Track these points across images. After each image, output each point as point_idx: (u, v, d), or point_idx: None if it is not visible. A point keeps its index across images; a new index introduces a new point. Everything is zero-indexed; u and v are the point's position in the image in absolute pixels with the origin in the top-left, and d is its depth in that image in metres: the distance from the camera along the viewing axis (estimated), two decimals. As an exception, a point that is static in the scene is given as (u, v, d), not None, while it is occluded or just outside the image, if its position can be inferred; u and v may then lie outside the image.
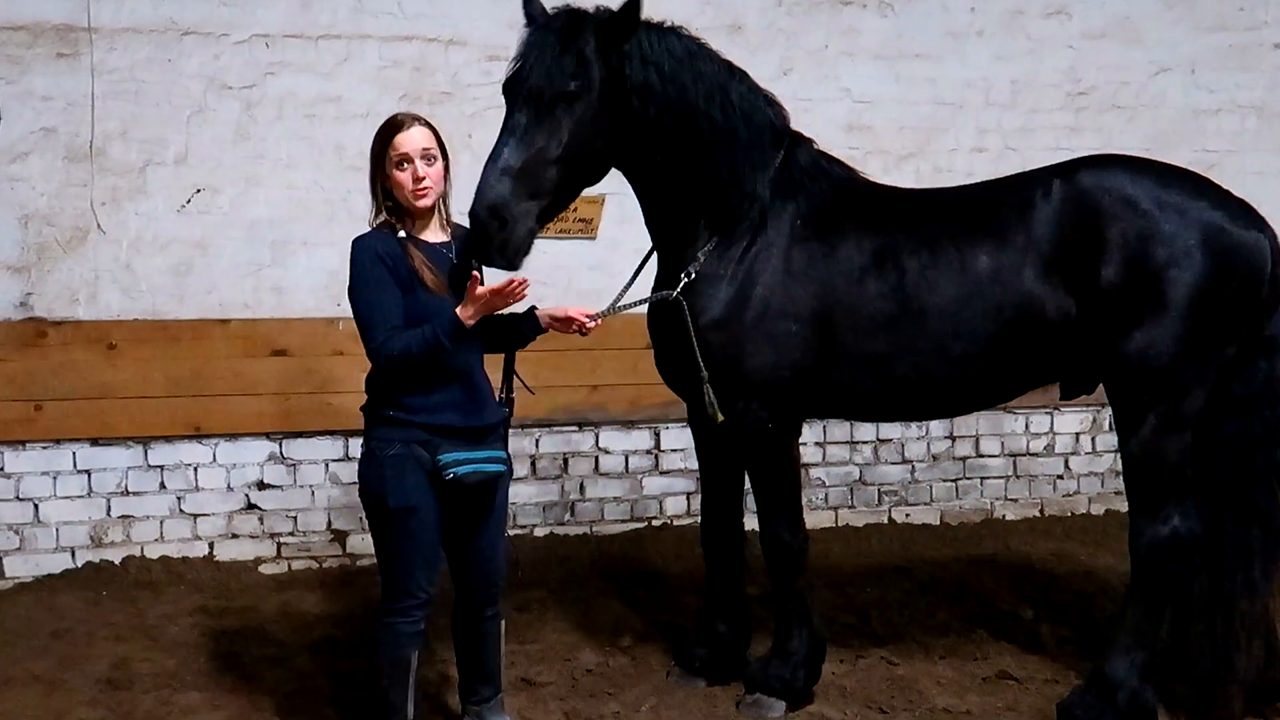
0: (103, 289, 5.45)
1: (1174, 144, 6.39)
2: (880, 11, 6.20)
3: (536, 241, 5.71)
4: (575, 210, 5.80)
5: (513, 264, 3.60)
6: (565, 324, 3.73)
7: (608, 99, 3.71)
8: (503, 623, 3.79)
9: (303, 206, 5.58)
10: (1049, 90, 6.43)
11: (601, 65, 3.68)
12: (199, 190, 5.52)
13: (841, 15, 6.15)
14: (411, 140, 3.46)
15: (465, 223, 3.70)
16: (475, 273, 3.40)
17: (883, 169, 6.04)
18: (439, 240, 3.58)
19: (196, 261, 5.54)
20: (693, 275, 3.90)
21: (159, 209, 5.49)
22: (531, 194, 3.62)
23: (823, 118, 6.02)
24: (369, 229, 3.55)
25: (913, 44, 6.24)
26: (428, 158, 3.47)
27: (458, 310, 3.37)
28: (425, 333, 3.39)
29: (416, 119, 3.53)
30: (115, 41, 5.38)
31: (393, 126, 3.49)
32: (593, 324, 3.74)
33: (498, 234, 3.55)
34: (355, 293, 3.48)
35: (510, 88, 3.70)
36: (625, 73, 3.70)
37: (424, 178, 3.46)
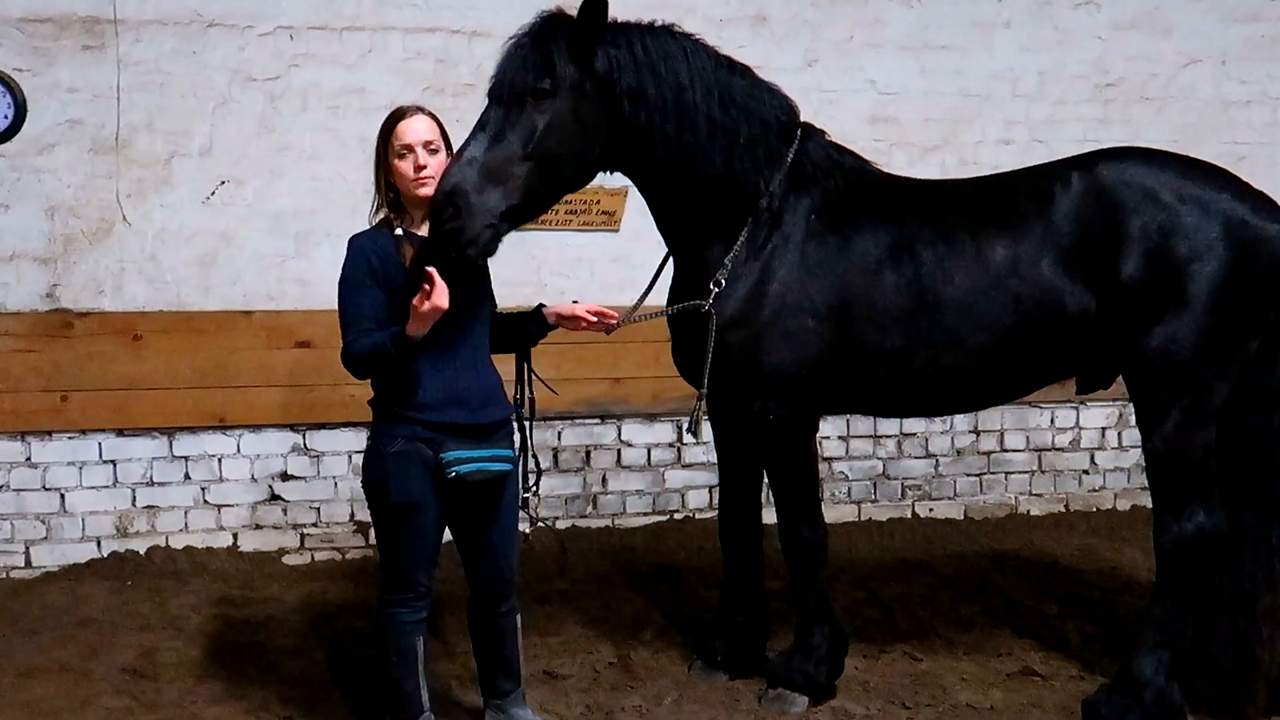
0: (128, 280, 5.48)
1: (1203, 136, 6.33)
2: (906, 2, 6.16)
3: (559, 234, 5.82)
4: (598, 202, 5.80)
5: (468, 257, 3.49)
6: (573, 322, 3.71)
7: (586, 100, 3.65)
8: (519, 617, 3.78)
9: (326, 198, 5.59)
10: (1077, 82, 6.37)
11: (575, 66, 3.62)
12: (224, 182, 5.54)
13: (867, 6, 6.11)
14: (414, 130, 3.45)
15: None
16: (425, 285, 3.26)
17: (908, 161, 6.01)
18: None
19: (221, 253, 5.56)
20: (723, 284, 3.85)
21: (184, 200, 5.51)
22: (497, 189, 3.52)
23: (848, 109, 5.99)
24: (368, 225, 3.55)
25: (939, 35, 6.20)
26: (430, 148, 3.46)
27: (406, 326, 3.31)
28: (376, 339, 3.37)
29: (419, 110, 3.52)
30: (141, 33, 5.40)
31: (395, 116, 3.49)
32: (612, 322, 3.71)
33: (450, 221, 3.44)
34: (338, 290, 3.48)
35: (490, 90, 3.67)
36: (613, 77, 3.66)
37: (425, 166, 3.44)
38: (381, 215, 3.55)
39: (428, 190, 3.46)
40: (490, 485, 3.54)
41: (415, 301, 3.26)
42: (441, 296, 3.25)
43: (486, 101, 3.68)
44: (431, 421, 3.45)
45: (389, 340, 3.35)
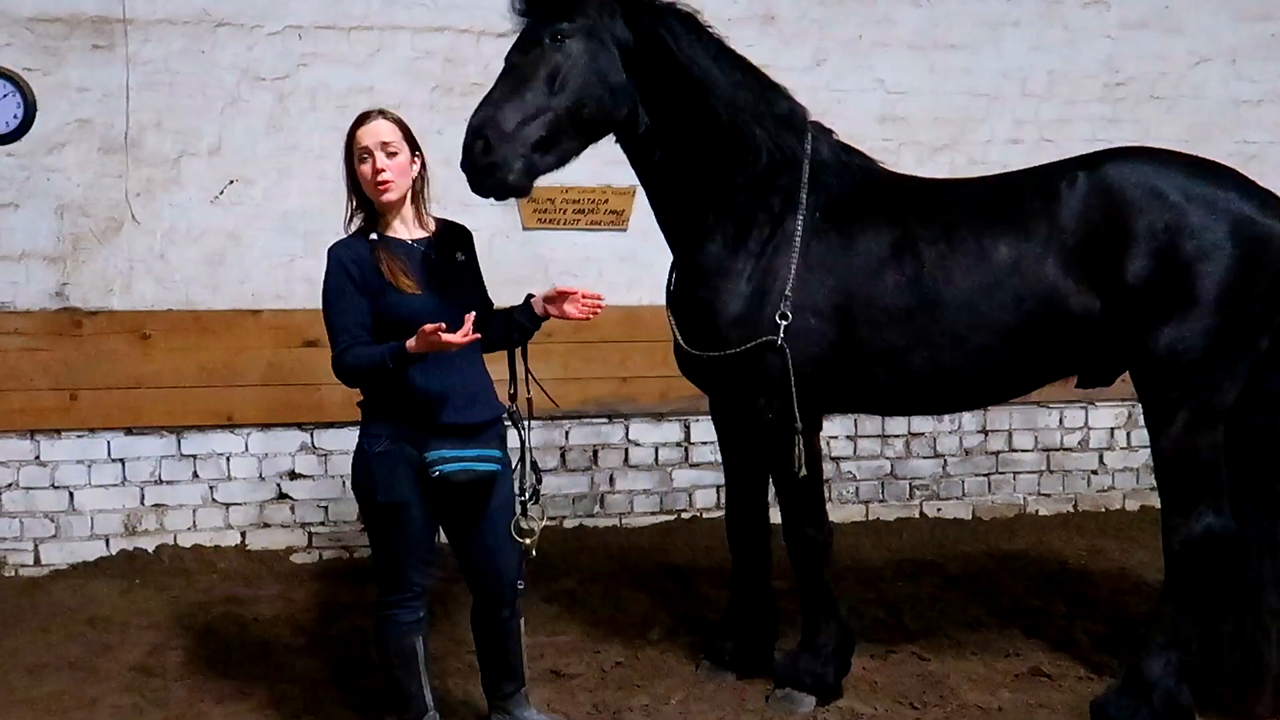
0: (137, 279, 5.49)
1: (1214, 135, 6.31)
2: (915, 1, 6.15)
3: (567, 234, 5.82)
4: (606, 202, 5.80)
5: (507, 185, 3.59)
6: (559, 302, 3.64)
7: (603, 47, 3.71)
8: (522, 621, 3.76)
9: (335, 197, 5.44)
10: (1086, 81, 6.35)
11: (597, 12, 3.69)
12: (232, 181, 5.56)
13: (876, 5, 6.10)
14: (371, 133, 3.45)
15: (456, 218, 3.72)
16: (443, 323, 3.28)
17: (916, 160, 6.00)
18: (418, 237, 3.56)
19: (229, 252, 5.57)
20: (789, 317, 3.82)
21: (193, 200, 5.53)
22: (523, 121, 3.60)
23: (856, 109, 5.99)
24: (345, 233, 3.55)
25: (948, 34, 6.18)
26: (388, 151, 3.44)
27: (407, 342, 3.32)
28: (374, 353, 3.38)
29: (382, 113, 3.52)
30: (150, 33, 5.42)
31: (356, 122, 3.50)
32: (599, 304, 3.67)
33: (484, 156, 3.54)
34: (323, 302, 3.49)
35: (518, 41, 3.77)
36: (632, 21, 3.72)
37: (383, 170, 3.43)
38: (357, 223, 3.55)
39: (390, 195, 3.46)
40: (478, 486, 3.52)
41: (429, 328, 3.25)
42: (459, 336, 3.27)
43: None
44: (415, 421, 3.44)
45: (388, 355, 3.35)
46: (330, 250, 3.51)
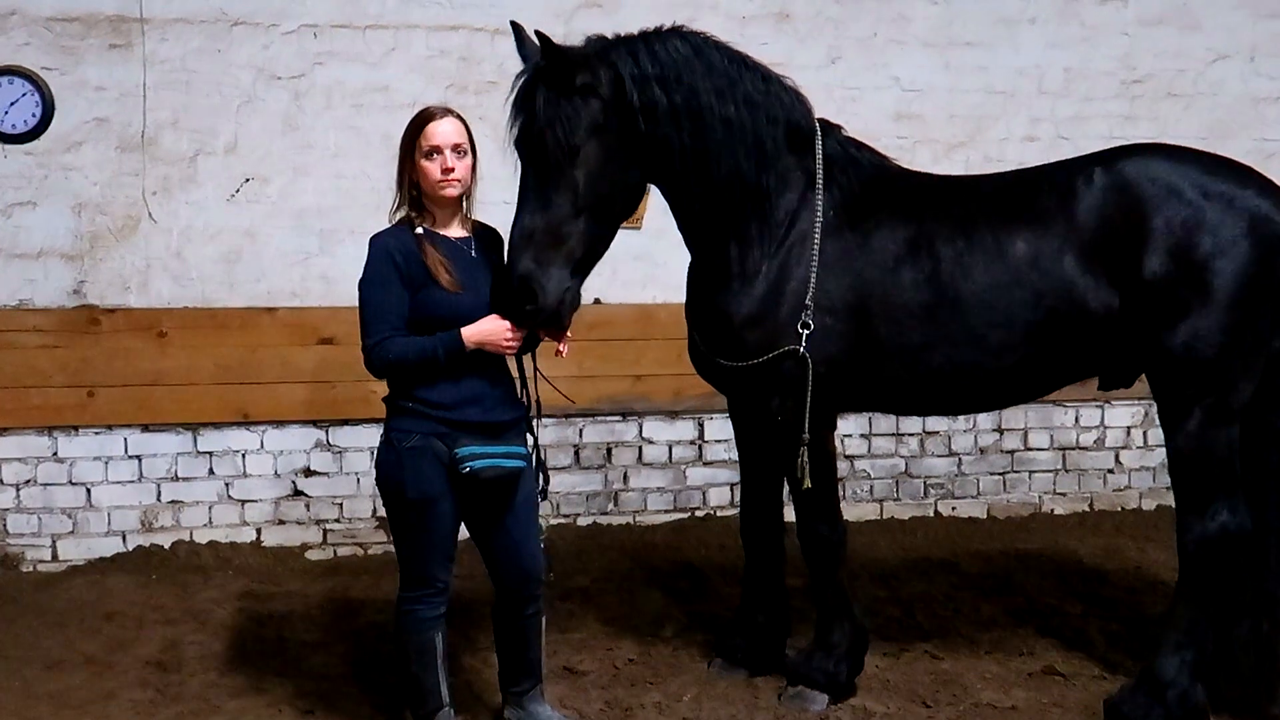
0: (154, 277, 5.52)
1: (1232, 133, 6.27)
2: (930, -2, 6.13)
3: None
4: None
5: (558, 326, 3.64)
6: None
7: (608, 132, 3.65)
8: (544, 619, 3.78)
9: (350, 196, 5.61)
10: (1103, 78, 6.31)
11: (596, 103, 3.62)
12: (248, 179, 5.58)
13: (891, 2, 6.08)
14: (443, 132, 3.47)
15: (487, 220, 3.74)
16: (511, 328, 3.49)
17: (932, 158, 5.98)
18: (459, 236, 3.58)
19: (245, 250, 5.60)
20: (811, 326, 3.81)
21: (209, 198, 5.56)
22: (560, 255, 3.60)
23: (871, 106, 5.98)
24: (389, 223, 3.57)
25: (963, 31, 6.16)
26: (458, 151, 3.48)
27: (463, 330, 3.39)
28: (425, 344, 3.41)
29: (449, 112, 3.55)
30: (167, 32, 5.45)
31: (426, 117, 3.51)
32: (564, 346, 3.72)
33: (530, 304, 3.54)
34: (361, 288, 3.49)
35: (517, 145, 3.69)
36: (626, 100, 3.64)
37: (452, 169, 3.46)
38: (401, 214, 3.57)
39: (453, 191, 3.50)
40: (504, 482, 3.55)
41: (507, 324, 3.42)
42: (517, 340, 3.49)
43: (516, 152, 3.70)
44: (447, 418, 3.47)
45: (441, 348, 3.39)
46: (375, 238, 3.52)
